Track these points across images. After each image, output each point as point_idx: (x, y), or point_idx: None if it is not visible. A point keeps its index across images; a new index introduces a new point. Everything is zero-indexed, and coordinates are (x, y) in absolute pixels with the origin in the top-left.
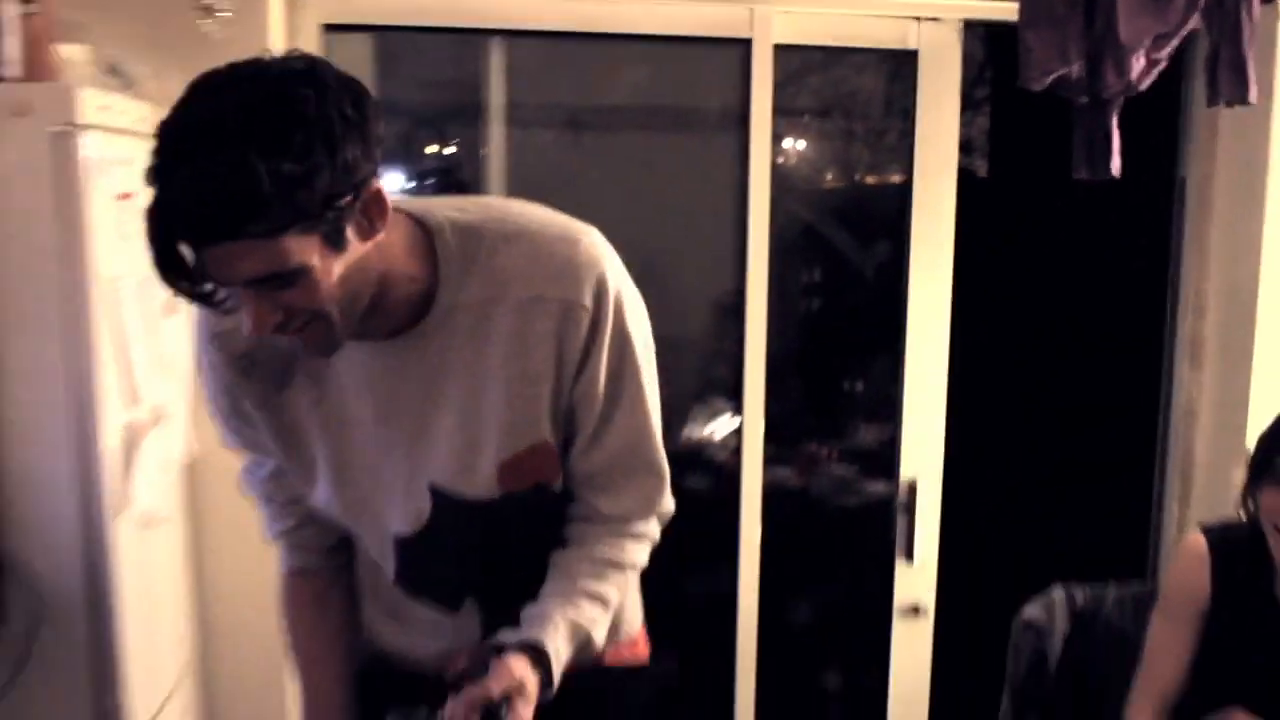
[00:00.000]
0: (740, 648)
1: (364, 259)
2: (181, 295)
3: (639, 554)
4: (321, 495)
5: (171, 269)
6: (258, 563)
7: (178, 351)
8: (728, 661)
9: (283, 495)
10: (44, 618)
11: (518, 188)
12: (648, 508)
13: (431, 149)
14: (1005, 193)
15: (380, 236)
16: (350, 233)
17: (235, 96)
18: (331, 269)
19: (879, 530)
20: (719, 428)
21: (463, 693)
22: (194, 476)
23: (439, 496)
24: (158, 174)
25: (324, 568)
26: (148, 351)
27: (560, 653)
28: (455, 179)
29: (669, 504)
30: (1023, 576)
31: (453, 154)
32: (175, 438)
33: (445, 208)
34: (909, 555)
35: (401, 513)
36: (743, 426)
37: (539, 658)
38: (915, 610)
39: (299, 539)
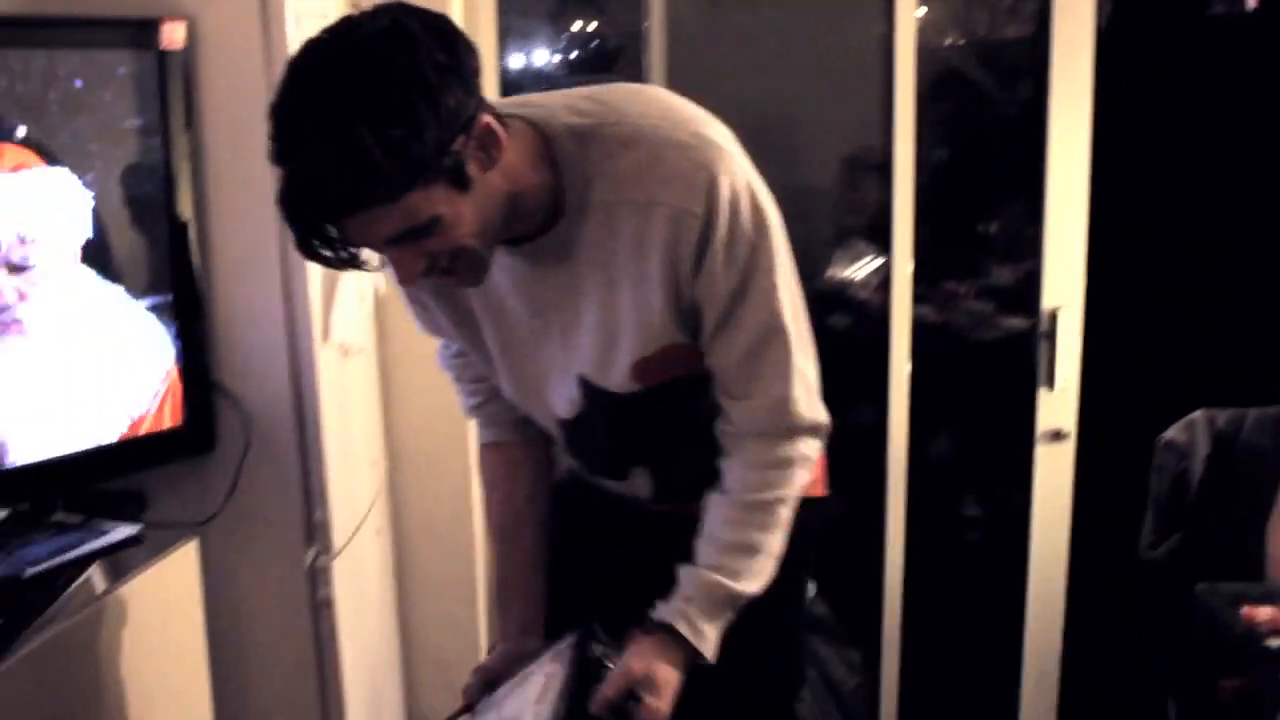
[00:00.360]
0: (890, 480)
1: (490, 186)
2: (326, 265)
3: (788, 484)
4: (498, 377)
5: (311, 245)
6: (442, 396)
7: None
8: (878, 494)
9: (469, 374)
10: (254, 441)
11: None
12: (780, 416)
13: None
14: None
15: (501, 161)
16: (472, 169)
17: (331, 72)
18: (462, 209)
19: (1019, 361)
20: (860, 269)
21: (605, 680)
22: (383, 312)
23: (586, 387)
24: (278, 159)
25: (516, 440)
26: None
27: (700, 627)
28: (607, 53)
29: (814, 413)
30: (1163, 400)
31: (604, 28)
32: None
33: (564, 110)
34: (1050, 382)
35: (559, 398)
36: (890, 267)
37: (676, 638)
38: (1057, 435)
39: (489, 414)
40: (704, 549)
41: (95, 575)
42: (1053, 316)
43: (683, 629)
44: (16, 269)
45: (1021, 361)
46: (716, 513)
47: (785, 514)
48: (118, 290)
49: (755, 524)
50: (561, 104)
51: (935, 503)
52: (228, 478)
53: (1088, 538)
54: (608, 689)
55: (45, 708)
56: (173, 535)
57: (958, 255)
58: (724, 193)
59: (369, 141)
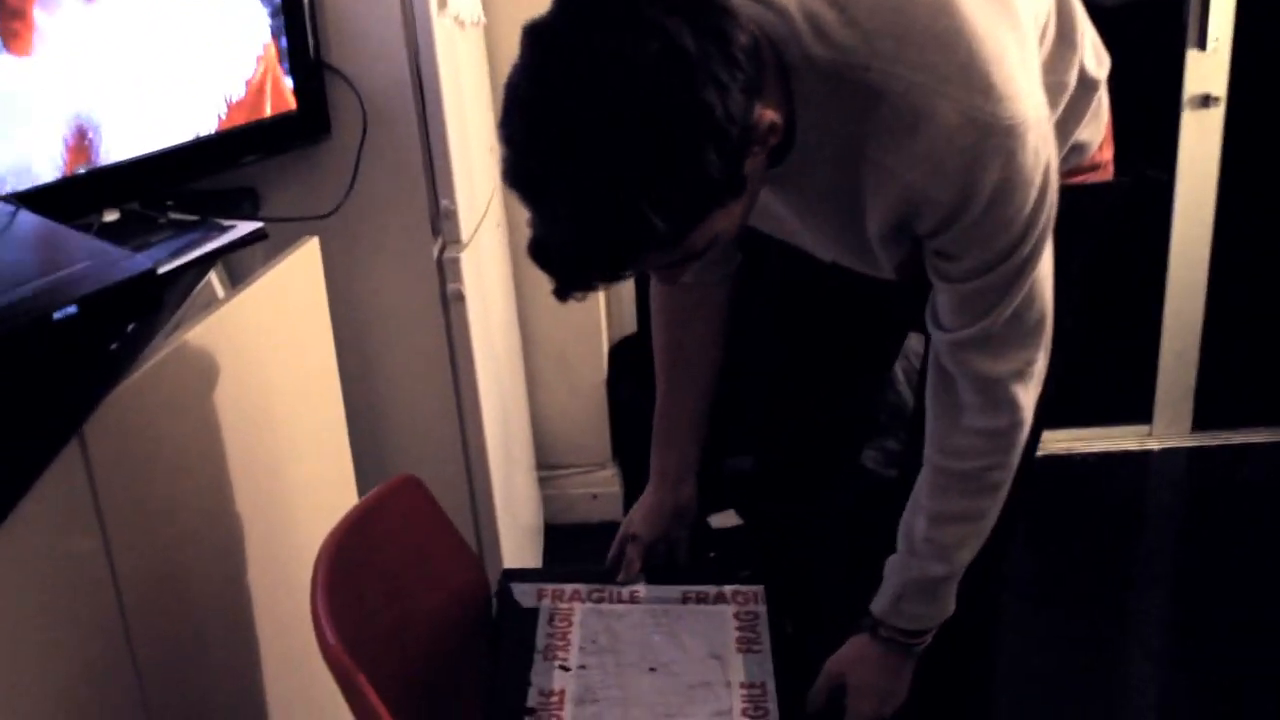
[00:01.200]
0: None
1: (760, 163)
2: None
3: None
4: None
5: (567, 293)
6: None
7: None
8: None
9: None
10: (371, 125)
11: None
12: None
13: None
14: None
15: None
16: (749, 169)
17: (599, 125)
18: (736, 212)
19: (1168, 19)
20: None
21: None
22: None
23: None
24: (533, 206)
25: (696, 284)
26: None
27: (917, 616)
28: None
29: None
30: None
31: None
32: None
33: (805, 24)
34: (1201, 43)
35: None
36: None
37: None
38: (1206, 101)
39: None
40: (914, 524)
41: (213, 279)
42: None
43: (899, 624)
44: None
45: (1173, 17)
46: (924, 479)
47: (1002, 476)
48: None
49: (969, 491)
50: (799, 10)
51: None
52: (346, 168)
53: (1233, 212)
54: (819, 696)
55: (168, 422)
56: (291, 233)
57: None
58: (987, 188)
59: (649, 216)
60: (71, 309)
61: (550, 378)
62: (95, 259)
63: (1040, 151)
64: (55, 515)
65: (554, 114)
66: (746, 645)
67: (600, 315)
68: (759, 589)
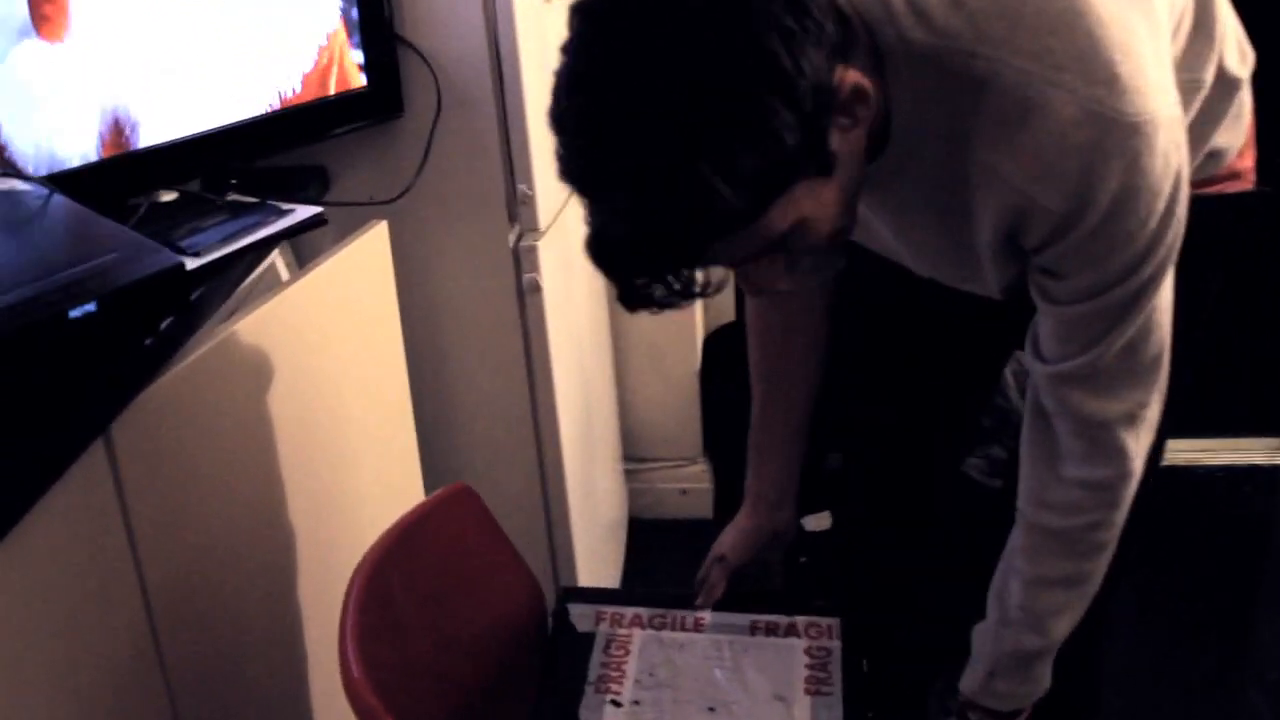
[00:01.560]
0: None
1: (855, 145)
2: (652, 309)
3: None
4: None
5: (635, 299)
6: None
7: None
8: None
9: None
10: (446, 104)
11: None
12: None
13: None
14: None
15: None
16: (835, 143)
17: (649, 78)
18: (828, 197)
19: None
20: None
21: None
22: None
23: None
24: (581, 191)
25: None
26: None
27: (1010, 695)
28: None
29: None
30: None
31: None
32: None
33: (906, 15)
34: None
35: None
36: None
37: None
38: None
39: None
40: (1006, 589)
41: (278, 262)
42: None
43: (990, 704)
44: None
45: None
46: (1017, 537)
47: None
48: None
49: (1069, 554)
50: None
51: None
52: (418, 148)
53: None
54: None
55: (210, 420)
56: (360, 216)
57: None
58: (1105, 194)
59: (716, 184)
60: (90, 306)
61: (640, 367)
62: (123, 251)
63: (1171, 157)
64: (77, 520)
65: (606, 86)
66: (815, 686)
67: (695, 314)
68: (834, 622)
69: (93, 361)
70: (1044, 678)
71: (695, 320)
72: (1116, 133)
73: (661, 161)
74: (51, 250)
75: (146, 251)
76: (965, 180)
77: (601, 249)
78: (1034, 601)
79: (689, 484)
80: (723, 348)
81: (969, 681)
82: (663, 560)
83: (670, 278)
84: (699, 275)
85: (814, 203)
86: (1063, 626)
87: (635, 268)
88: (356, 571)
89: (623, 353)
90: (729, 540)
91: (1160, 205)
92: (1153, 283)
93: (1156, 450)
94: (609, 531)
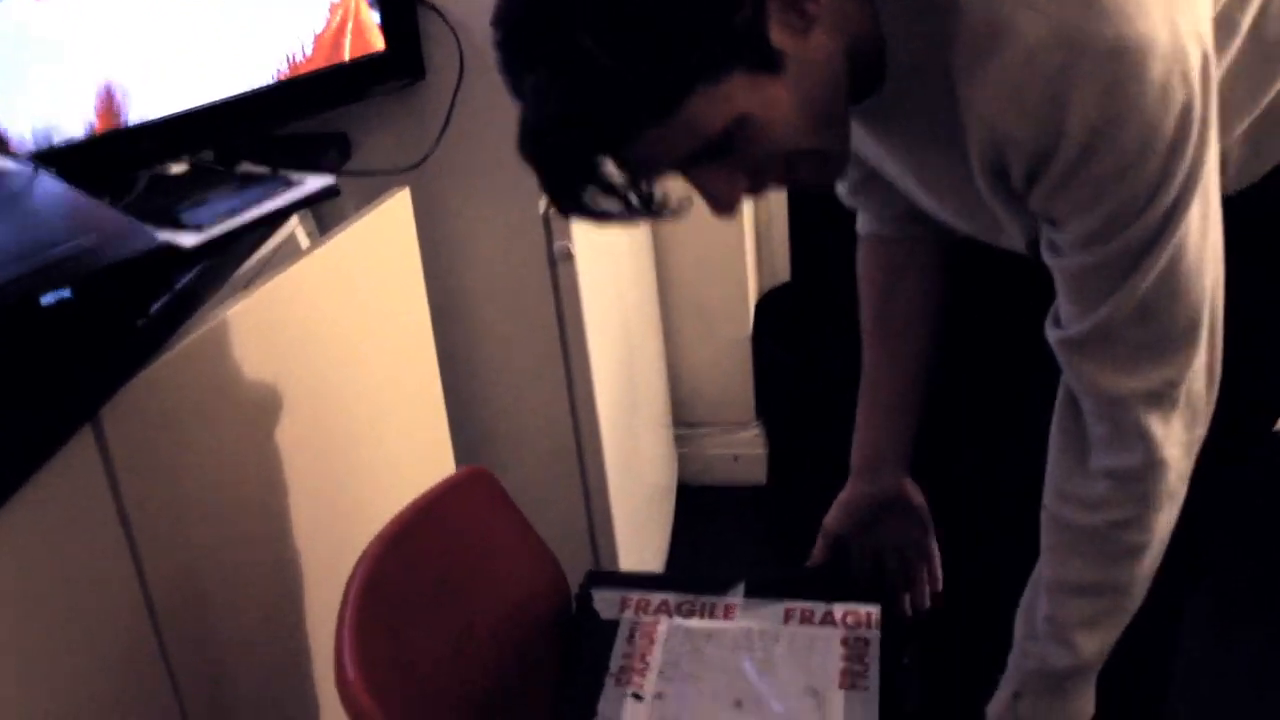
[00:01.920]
0: None
1: (812, 52)
2: (599, 221)
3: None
4: None
5: (569, 201)
6: None
7: None
8: None
9: None
10: (469, 66)
11: None
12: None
13: None
14: None
15: (822, 13)
16: (778, 38)
17: None
18: (778, 97)
19: None
20: None
21: None
22: None
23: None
24: (514, 89)
25: (902, 237)
26: None
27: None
28: None
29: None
30: None
31: None
32: None
33: None
34: None
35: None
36: None
37: None
38: None
39: (859, 202)
40: (1034, 601)
41: (298, 230)
42: None
43: None
44: None
45: None
46: (1044, 537)
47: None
48: None
49: (1095, 555)
50: None
51: None
52: (439, 113)
53: None
54: None
55: (244, 381)
56: (381, 183)
57: None
58: (1083, 128)
59: (595, 54)
60: (65, 292)
61: (690, 329)
62: (105, 232)
63: (1174, 91)
64: (65, 510)
65: None
66: (851, 680)
67: (747, 262)
68: (874, 610)
69: (74, 346)
70: (1081, 705)
71: (748, 281)
72: (1088, 58)
73: (578, 38)
74: (31, 232)
75: (130, 232)
76: (955, 116)
77: (525, 137)
78: (1057, 610)
79: (741, 450)
80: (776, 309)
81: (994, 702)
82: (712, 528)
83: (609, 181)
84: (647, 187)
85: (757, 100)
86: (1093, 645)
87: (557, 155)
88: (357, 565)
89: (671, 316)
90: (831, 512)
91: (1160, 145)
92: (1165, 232)
93: (1225, 449)
94: (654, 500)
